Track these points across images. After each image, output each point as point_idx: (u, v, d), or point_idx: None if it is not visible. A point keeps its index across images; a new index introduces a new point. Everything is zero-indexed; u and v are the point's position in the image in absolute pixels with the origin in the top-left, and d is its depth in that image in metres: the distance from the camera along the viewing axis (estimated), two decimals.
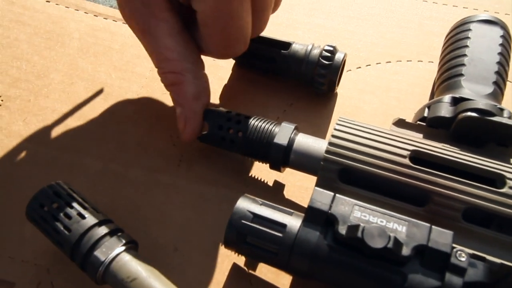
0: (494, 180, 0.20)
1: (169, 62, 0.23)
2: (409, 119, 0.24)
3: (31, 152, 0.27)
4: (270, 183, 0.25)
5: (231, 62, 0.30)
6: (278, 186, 0.25)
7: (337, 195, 0.19)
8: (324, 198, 0.19)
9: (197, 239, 0.23)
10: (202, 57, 0.25)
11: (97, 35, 0.32)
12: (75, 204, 0.20)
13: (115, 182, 0.26)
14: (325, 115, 0.28)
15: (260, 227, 0.19)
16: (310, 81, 0.27)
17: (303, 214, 0.20)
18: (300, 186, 0.25)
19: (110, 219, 0.21)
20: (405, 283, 0.18)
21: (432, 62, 0.30)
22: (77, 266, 0.20)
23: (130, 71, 0.30)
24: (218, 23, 0.22)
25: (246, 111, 0.25)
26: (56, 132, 0.28)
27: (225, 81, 0.30)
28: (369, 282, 0.18)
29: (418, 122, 0.23)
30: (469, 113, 0.21)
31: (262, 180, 0.26)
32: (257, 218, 0.20)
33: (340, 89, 0.29)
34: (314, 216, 0.19)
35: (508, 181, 0.19)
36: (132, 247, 0.20)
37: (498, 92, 0.23)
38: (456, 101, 0.22)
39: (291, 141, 0.23)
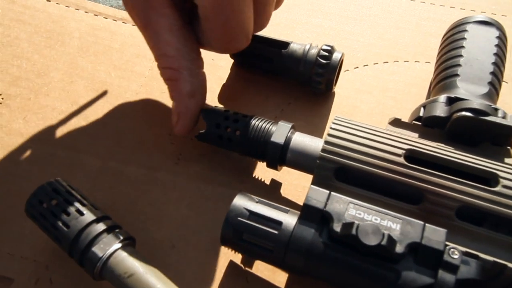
0: (488, 179, 0.20)
1: (168, 58, 0.24)
2: (406, 119, 0.25)
3: (31, 149, 0.27)
4: (267, 182, 0.26)
5: (229, 62, 0.31)
6: (275, 185, 0.26)
7: (332, 193, 0.20)
8: (319, 196, 0.20)
9: (194, 236, 0.24)
10: (202, 55, 0.25)
11: (97, 34, 0.32)
12: (73, 201, 0.20)
13: (114, 180, 0.26)
14: (323, 114, 0.28)
15: (256, 224, 0.20)
16: (308, 81, 0.27)
17: (299, 212, 0.20)
18: (297, 184, 0.25)
19: (108, 216, 0.21)
20: (399, 280, 0.18)
21: (429, 62, 0.31)
22: (76, 262, 0.20)
23: (130, 70, 0.31)
24: (219, 17, 0.22)
25: (244, 110, 0.25)
26: (55, 130, 0.28)
27: (224, 81, 0.30)
28: (363, 279, 0.18)
29: (414, 121, 0.24)
30: (464, 113, 0.21)
31: (259, 178, 0.26)
32: (253, 215, 0.20)
33: (337, 89, 0.29)
34: (310, 214, 0.19)
35: (501, 180, 0.19)
36: (130, 244, 0.20)
37: (493, 93, 0.24)
38: (451, 101, 0.23)
39: (287, 140, 0.23)
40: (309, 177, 0.22)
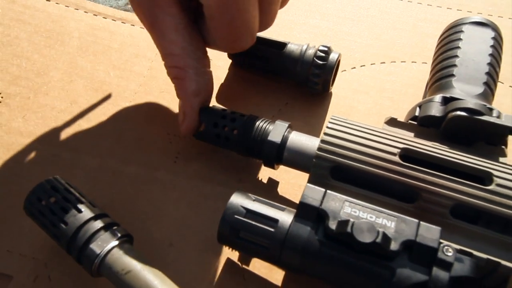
0: (482, 178, 0.20)
1: (173, 57, 0.24)
2: (402, 119, 0.25)
3: (30, 148, 0.27)
4: (265, 181, 0.26)
5: (227, 62, 0.31)
6: (272, 184, 0.26)
7: (328, 191, 0.20)
8: (315, 194, 0.20)
9: (192, 234, 0.24)
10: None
11: (96, 34, 0.33)
12: (72, 199, 0.21)
13: (112, 178, 0.26)
14: (320, 115, 0.29)
15: (253, 222, 0.20)
16: (305, 81, 0.28)
17: (295, 210, 0.20)
18: (294, 183, 0.26)
19: (106, 213, 0.21)
20: (393, 277, 0.18)
21: (426, 63, 0.31)
22: (74, 259, 0.20)
23: (129, 70, 0.31)
24: (224, 16, 0.22)
25: (242, 110, 0.26)
26: (55, 129, 0.28)
27: (222, 80, 0.30)
28: (358, 276, 0.19)
29: (410, 121, 0.24)
30: (459, 112, 0.21)
31: (257, 177, 0.26)
32: (250, 213, 0.20)
33: (334, 89, 0.30)
34: (306, 212, 0.20)
35: (495, 178, 0.20)
36: (127, 241, 0.21)
37: (488, 93, 0.24)
38: (446, 101, 0.23)
39: (284, 139, 0.23)
40: (306, 176, 0.22)
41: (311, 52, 0.27)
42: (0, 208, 0.25)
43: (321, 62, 0.27)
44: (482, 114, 0.21)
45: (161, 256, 0.23)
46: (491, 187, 0.19)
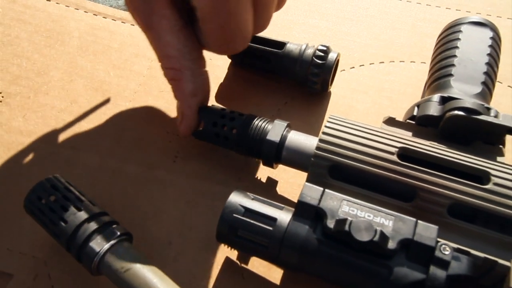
0: (480, 177, 0.20)
1: (170, 59, 0.24)
2: (401, 118, 0.25)
3: (30, 147, 0.27)
4: (264, 180, 0.26)
5: (227, 61, 0.31)
6: (271, 183, 0.26)
7: (326, 190, 0.20)
8: (313, 193, 0.20)
9: (191, 233, 0.24)
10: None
11: (96, 34, 0.33)
12: (71, 197, 0.21)
13: (112, 177, 0.26)
14: (319, 114, 0.29)
15: (251, 221, 0.20)
16: (304, 80, 0.28)
17: (293, 209, 0.20)
18: (293, 182, 0.26)
19: (105, 212, 0.21)
20: (391, 275, 0.18)
21: (425, 62, 0.31)
22: (73, 257, 0.20)
23: (128, 69, 0.31)
24: (216, 20, 0.22)
25: (241, 110, 0.26)
26: (54, 128, 0.28)
27: (221, 80, 0.30)
28: (356, 274, 0.19)
29: (408, 120, 0.24)
30: (456, 112, 0.22)
31: (256, 176, 0.26)
32: (248, 212, 0.20)
33: (333, 89, 0.30)
34: (304, 211, 0.20)
35: (492, 178, 0.20)
36: (127, 239, 0.21)
37: (486, 92, 0.24)
38: (444, 100, 0.23)
39: (283, 138, 0.23)
40: (305, 175, 0.22)
41: (310, 51, 0.27)
42: (0, 207, 0.25)
43: (320, 62, 0.27)
44: (479, 113, 0.21)
45: (160, 254, 0.23)
46: (489, 186, 0.20)
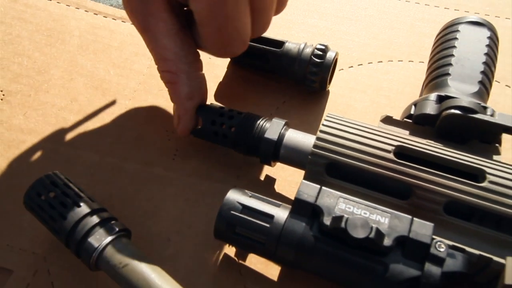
0: (476, 175, 0.20)
1: (166, 62, 0.24)
2: (399, 117, 0.25)
3: (31, 145, 0.28)
4: (262, 178, 0.26)
5: (226, 60, 0.31)
6: (269, 181, 0.26)
7: (323, 187, 0.20)
8: (310, 190, 0.20)
9: (189, 230, 0.24)
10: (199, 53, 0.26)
11: (96, 33, 0.33)
12: (71, 193, 0.21)
13: (112, 175, 0.26)
14: (317, 113, 0.29)
15: (249, 218, 0.20)
16: (303, 79, 0.28)
17: (291, 206, 0.20)
18: (291, 180, 0.26)
19: (104, 208, 0.21)
20: (387, 272, 0.18)
21: (423, 62, 0.31)
22: (72, 253, 0.20)
23: (128, 68, 0.31)
24: (213, 23, 0.22)
25: (240, 108, 0.26)
26: (55, 126, 0.28)
27: (220, 79, 0.31)
28: (352, 271, 0.19)
29: (405, 119, 0.24)
30: (453, 111, 0.22)
31: (255, 174, 0.26)
32: (246, 209, 0.20)
33: (332, 88, 0.30)
34: (301, 208, 0.20)
35: (488, 176, 0.20)
36: (125, 235, 0.21)
37: (483, 91, 0.24)
38: (441, 99, 0.23)
39: (281, 136, 0.23)
40: (303, 173, 0.22)
41: (308, 50, 0.27)
42: (0, 203, 0.25)
43: (318, 60, 0.27)
44: (476, 112, 0.22)
45: (158, 251, 0.23)
46: (484, 184, 0.20)
